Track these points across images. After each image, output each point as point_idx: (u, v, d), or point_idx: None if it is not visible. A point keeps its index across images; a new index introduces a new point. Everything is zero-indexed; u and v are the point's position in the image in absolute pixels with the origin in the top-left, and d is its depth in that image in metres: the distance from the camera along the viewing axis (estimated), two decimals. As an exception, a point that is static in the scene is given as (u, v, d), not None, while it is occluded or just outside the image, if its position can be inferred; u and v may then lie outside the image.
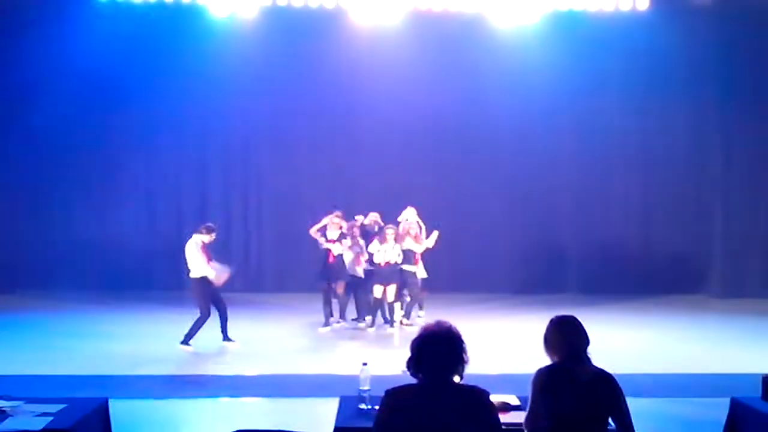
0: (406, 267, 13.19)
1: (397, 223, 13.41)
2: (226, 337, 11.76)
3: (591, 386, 4.51)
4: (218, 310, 11.77)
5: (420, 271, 13.40)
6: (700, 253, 17.52)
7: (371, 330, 12.99)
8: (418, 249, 13.32)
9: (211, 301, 11.69)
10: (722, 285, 17.09)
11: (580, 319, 4.72)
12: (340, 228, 13.26)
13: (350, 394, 5.47)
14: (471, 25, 16.94)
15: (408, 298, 13.57)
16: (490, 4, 16.79)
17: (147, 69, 16.67)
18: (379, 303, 13.15)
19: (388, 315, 13.28)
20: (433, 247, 13.51)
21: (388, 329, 13.06)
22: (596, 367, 4.61)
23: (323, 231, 13.32)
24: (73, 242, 17.02)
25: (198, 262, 11.69)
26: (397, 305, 13.38)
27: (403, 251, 13.14)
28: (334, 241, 13.16)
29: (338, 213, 13.42)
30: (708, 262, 17.46)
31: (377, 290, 13.03)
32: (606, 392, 4.55)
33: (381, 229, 13.32)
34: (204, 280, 11.64)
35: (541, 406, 4.50)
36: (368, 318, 13.33)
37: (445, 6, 16.76)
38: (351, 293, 13.44)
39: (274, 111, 17.18)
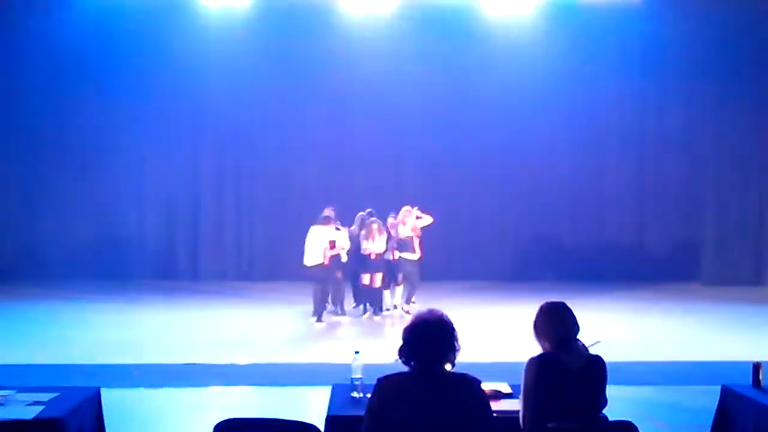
0: (405, 255, 13.20)
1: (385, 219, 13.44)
2: (319, 318, 12.62)
3: (583, 372, 4.52)
4: (331, 291, 12.87)
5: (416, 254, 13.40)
6: (693, 241, 17.59)
7: (364, 317, 13.00)
8: (409, 230, 13.30)
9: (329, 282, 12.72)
10: (714, 273, 17.15)
11: (571, 307, 4.72)
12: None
13: (342, 382, 5.48)
14: (464, 14, 16.96)
15: (401, 286, 13.56)
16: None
17: (139, 59, 16.65)
18: (370, 291, 13.16)
19: (385, 303, 13.34)
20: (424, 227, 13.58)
21: (375, 317, 13.08)
22: (587, 353, 4.61)
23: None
24: (64, 232, 17.00)
25: (318, 252, 12.52)
26: (387, 293, 13.41)
27: (401, 240, 13.17)
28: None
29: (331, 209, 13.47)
30: (700, 250, 17.51)
31: (365, 278, 13.06)
32: (597, 376, 4.56)
33: (364, 223, 13.32)
34: (320, 267, 12.54)
35: (535, 397, 4.50)
36: (360, 307, 13.37)
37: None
38: (348, 282, 13.44)
39: (267, 100, 17.17)
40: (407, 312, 13.14)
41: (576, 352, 4.58)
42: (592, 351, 4.67)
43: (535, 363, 4.55)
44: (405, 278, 13.44)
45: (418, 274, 13.49)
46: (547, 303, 4.72)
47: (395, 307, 13.50)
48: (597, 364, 4.58)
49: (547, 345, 4.62)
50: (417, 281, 13.50)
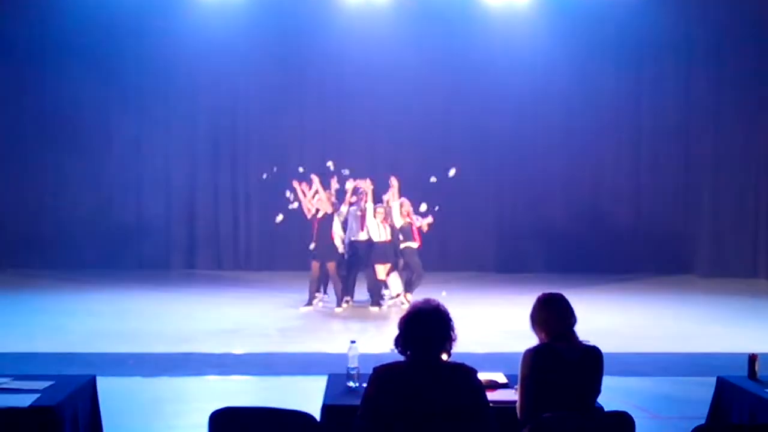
0: (407, 244, 13.16)
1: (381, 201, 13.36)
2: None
3: (580, 363, 4.52)
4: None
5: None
6: (688, 232, 17.61)
7: (375, 309, 13.02)
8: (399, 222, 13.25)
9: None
10: (709, 265, 17.16)
11: (567, 298, 4.72)
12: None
13: (338, 371, 5.48)
14: (461, 4, 16.92)
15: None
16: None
17: (136, 45, 16.62)
18: (382, 282, 13.14)
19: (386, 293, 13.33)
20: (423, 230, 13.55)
21: (374, 309, 13.08)
22: (583, 343, 4.61)
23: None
24: (59, 219, 17.00)
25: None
26: (396, 283, 13.40)
27: (402, 228, 13.12)
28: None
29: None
30: (696, 242, 17.53)
31: (379, 270, 13.02)
32: (593, 366, 4.57)
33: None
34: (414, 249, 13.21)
35: (532, 387, 4.50)
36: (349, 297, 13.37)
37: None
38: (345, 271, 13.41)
39: (264, 90, 17.17)
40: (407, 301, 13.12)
41: (573, 342, 4.59)
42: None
43: (532, 354, 4.55)
44: (407, 267, 13.39)
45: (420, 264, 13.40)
46: (544, 294, 4.73)
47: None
48: (594, 354, 4.59)
49: (543, 336, 4.63)
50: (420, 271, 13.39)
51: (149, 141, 17.25)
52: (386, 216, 12.95)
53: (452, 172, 13.63)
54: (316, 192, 13.05)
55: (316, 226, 12.99)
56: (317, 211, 13.02)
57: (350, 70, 16.90)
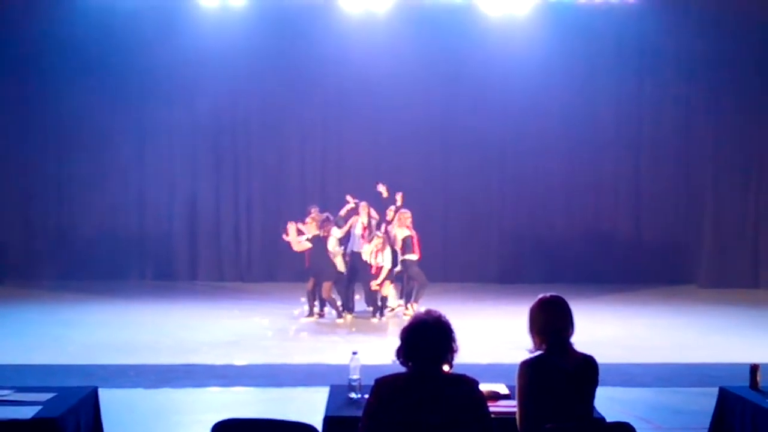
0: (407, 257, 13.18)
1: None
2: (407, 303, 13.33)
3: (576, 373, 4.49)
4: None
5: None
6: (689, 243, 17.58)
7: (375, 320, 13.04)
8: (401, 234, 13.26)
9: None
10: (711, 275, 17.13)
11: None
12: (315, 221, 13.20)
13: (340, 383, 5.48)
14: (460, 13, 16.94)
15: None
16: (481, -7, 16.84)
17: (139, 55, 16.61)
18: (379, 293, 13.16)
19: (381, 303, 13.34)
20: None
21: (374, 320, 13.10)
22: (579, 353, 4.59)
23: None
24: (61, 231, 17.00)
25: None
26: (392, 294, 13.42)
27: (403, 240, 13.15)
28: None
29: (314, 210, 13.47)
30: (697, 253, 17.50)
31: (372, 284, 13.04)
32: (590, 376, 4.55)
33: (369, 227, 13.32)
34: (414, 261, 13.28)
35: (530, 399, 4.47)
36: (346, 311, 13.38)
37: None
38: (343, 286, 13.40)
39: (264, 100, 17.18)
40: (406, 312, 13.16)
41: (569, 351, 4.56)
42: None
43: (528, 366, 4.50)
44: (411, 278, 13.43)
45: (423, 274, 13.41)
46: (544, 296, 4.65)
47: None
48: (590, 364, 4.56)
49: (538, 340, 4.57)
50: (424, 280, 13.43)
51: (151, 153, 17.23)
52: (383, 244, 12.94)
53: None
54: (300, 232, 13.22)
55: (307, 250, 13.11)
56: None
57: (350, 78, 16.90)
